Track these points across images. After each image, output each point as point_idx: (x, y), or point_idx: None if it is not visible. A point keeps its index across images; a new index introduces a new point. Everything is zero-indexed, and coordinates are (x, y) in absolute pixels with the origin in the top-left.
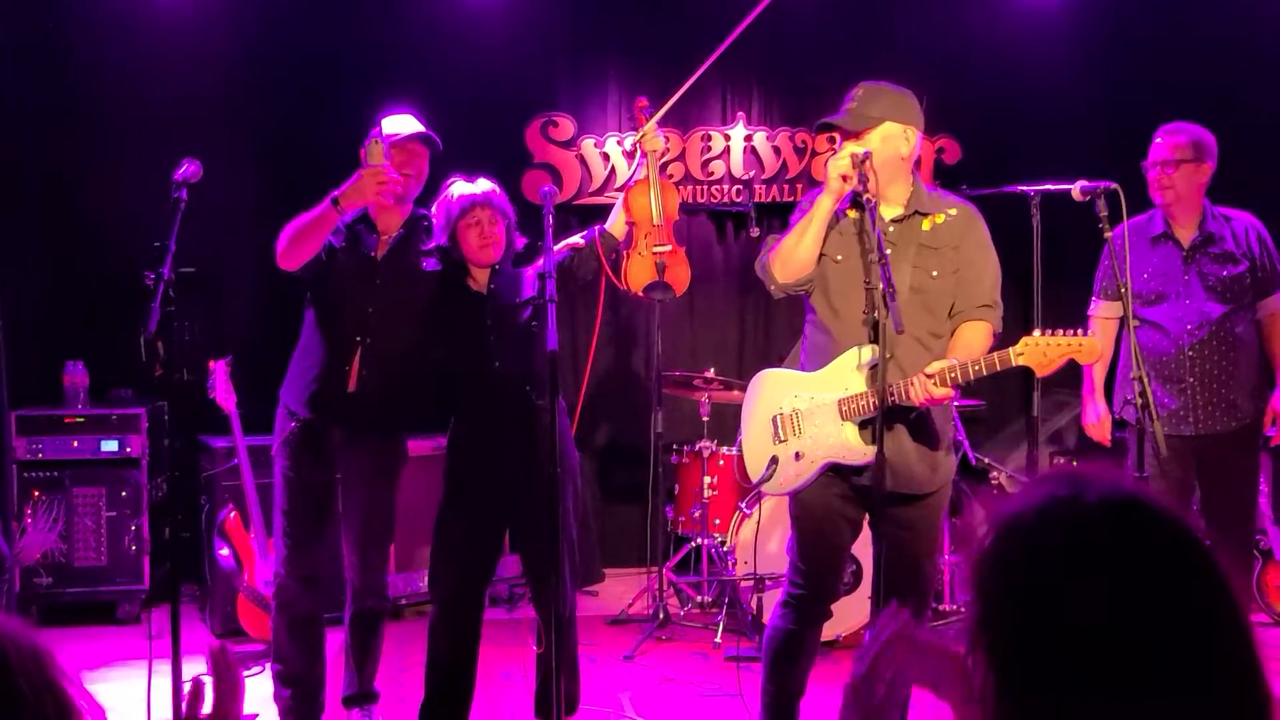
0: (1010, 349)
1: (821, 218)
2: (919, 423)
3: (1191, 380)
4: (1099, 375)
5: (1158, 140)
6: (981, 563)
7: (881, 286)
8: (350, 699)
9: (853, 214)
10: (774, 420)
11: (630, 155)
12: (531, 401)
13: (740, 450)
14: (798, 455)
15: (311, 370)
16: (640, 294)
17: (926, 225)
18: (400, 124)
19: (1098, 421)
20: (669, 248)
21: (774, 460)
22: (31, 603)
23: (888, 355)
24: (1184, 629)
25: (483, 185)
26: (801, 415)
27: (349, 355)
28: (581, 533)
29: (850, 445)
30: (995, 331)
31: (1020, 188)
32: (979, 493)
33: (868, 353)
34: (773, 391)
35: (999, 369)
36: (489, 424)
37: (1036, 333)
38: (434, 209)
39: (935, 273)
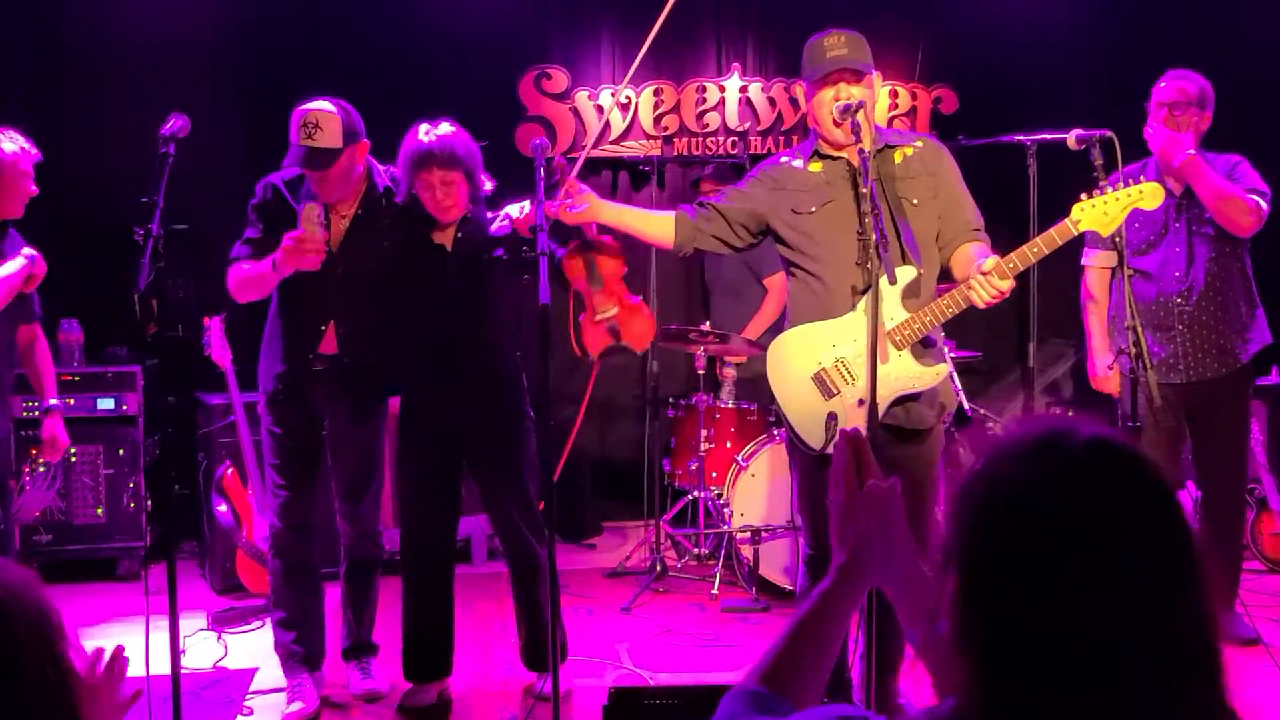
0: (1067, 219)
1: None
2: (923, 347)
3: (1180, 328)
4: (1100, 325)
5: (1162, 84)
6: (965, 484)
7: (874, 237)
8: (349, 650)
9: (815, 166)
10: (817, 378)
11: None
12: (491, 353)
13: (787, 422)
14: (861, 401)
15: (286, 349)
16: (600, 359)
17: (898, 158)
18: (295, 129)
19: (1107, 375)
20: (614, 310)
21: (833, 416)
22: (32, 560)
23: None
24: (1146, 573)
25: (437, 132)
26: (849, 362)
27: (319, 335)
28: (577, 488)
29: (918, 371)
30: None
31: (1016, 137)
32: (974, 444)
33: (901, 279)
34: (802, 352)
35: (1060, 243)
36: (447, 377)
37: (1085, 196)
38: (397, 160)
39: (915, 200)
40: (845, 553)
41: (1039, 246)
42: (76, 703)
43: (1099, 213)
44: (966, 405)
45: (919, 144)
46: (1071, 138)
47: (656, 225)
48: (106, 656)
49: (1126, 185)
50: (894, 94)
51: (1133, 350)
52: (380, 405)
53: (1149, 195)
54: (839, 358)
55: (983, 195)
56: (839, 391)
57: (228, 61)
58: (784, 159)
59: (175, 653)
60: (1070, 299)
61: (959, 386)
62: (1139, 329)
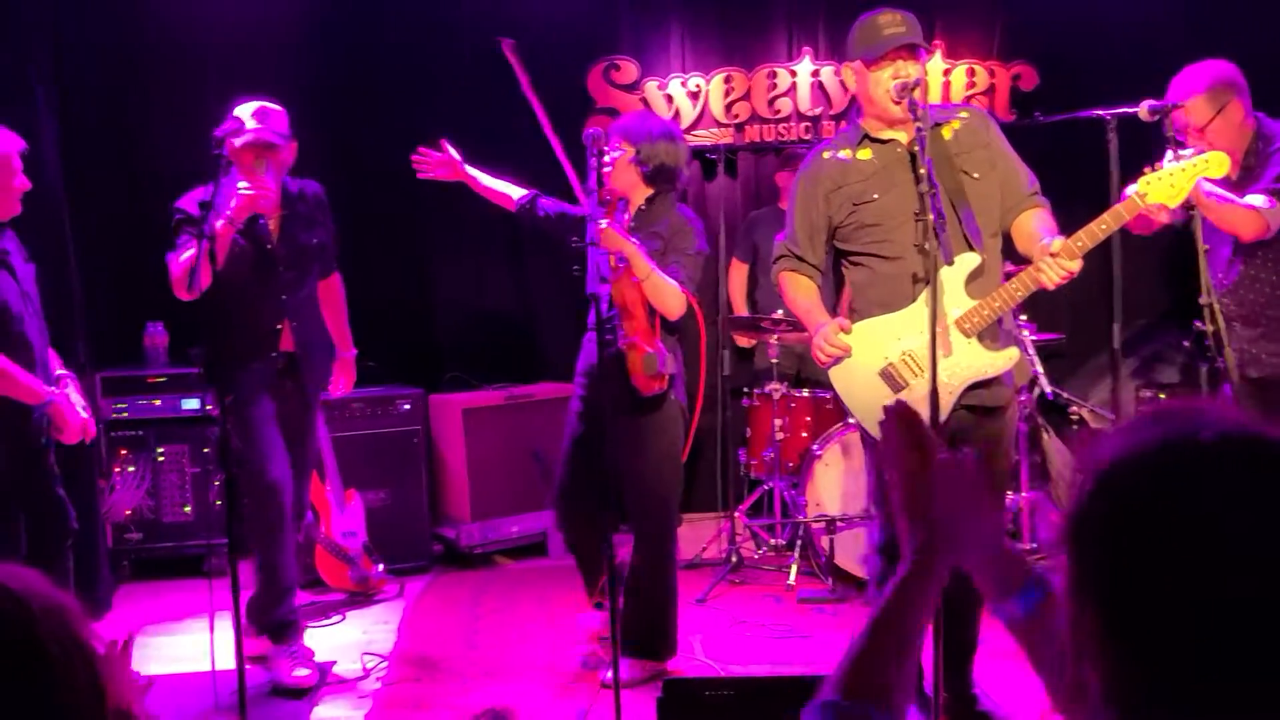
0: (1133, 194)
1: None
2: (993, 333)
3: (1237, 325)
4: None
5: (1176, 110)
6: (1082, 519)
7: (931, 218)
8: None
9: (865, 154)
10: (885, 373)
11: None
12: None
13: (854, 418)
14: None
15: (245, 351)
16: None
17: (947, 134)
18: (246, 118)
19: None
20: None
21: None
22: (123, 557)
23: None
24: None
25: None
26: (918, 354)
27: (278, 334)
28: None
29: (989, 359)
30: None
31: (1095, 112)
32: (1060, 429)
33: (962, 266)
34: (868, 346)
35: (1128, 218)
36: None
37: (1148, 169)
38: None
39: (976, 174)
40: (922, 533)
41: (1106, 223)
42: (102, 683)
43: (1165, 185)
44: (1048, 390)
45: (964, 115)
46: (1144, 109)
47: (816, 299)
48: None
49: (1192, 155)
50: (971, 72)
51: (1209, 327)
52: (319, 394)
53: (1214, 164)
54: (906, 350)
55: (1063, 172)
56: (908, 384)
57: (304, 60)
58: (826, 154)
59: (239, 646)
60: (1159, 275)
61: (1040, 370)
62: (1216, 305)
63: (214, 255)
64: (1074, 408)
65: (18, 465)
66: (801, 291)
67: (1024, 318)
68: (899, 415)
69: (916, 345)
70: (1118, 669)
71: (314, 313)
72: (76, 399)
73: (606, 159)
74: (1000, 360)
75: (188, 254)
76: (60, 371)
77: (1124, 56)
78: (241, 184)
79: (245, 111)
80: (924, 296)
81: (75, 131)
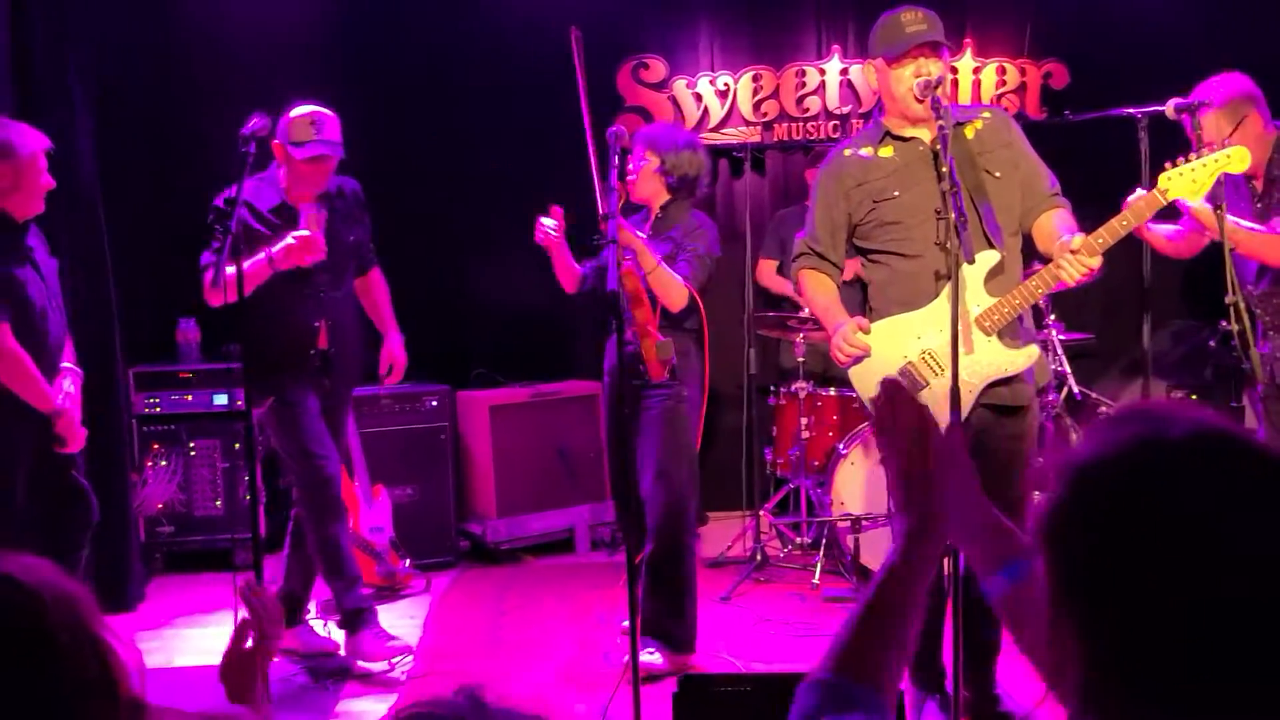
0: (1153, 190)
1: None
2: (1013, 331)
3: (1272, 334)
4: None
5: (1201, 108)
6: (1056, 520)
7: (953, 216)
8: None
9: (886, 151)
10: (904, 372)
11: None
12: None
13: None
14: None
15: (283, 352)
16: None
17: (970, 133)
18: (304, 128)
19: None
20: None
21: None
22: (155, 550)
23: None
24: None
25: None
26: (937, 353)
27: (316, 333)
28: None
29: (1009, 357)
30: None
31: (1126, 110)
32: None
33: (983, 264)
34: (888, 344)
35: (1149, 214)
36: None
37: (1170, 165)
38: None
39: (998, 173)
40: (914, 515)
41: (1128, 219)
42: (113, 673)
43: (1186, 180)
44: (1076, 390)
45: (986, 115)
46: (1170, 107)
47: (835, 298)
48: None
49: (1213, 151)
50: (1002, 70)
51: (1235, 327)
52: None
53: (1236, 159)
54: (926, 349)
55: (1093, 171)
56: (928, 383)
57: (336, 59)
58: (846, 151)
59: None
60: (1189, 274)
61: (1068, 369)
62: (1241, 304)
63: (241, 282)
64: (1103, 408)
65: (37, 456)
66: (821, 290)
67: (1053, 317)
68: (892, 394)
69: (936, 344)
70: (1095, 670)
71: (349, 310)
72: (72, 391)
73: (630, 168)
74: (1020, 358)
75: (244, 265)
76: (67, 364)
77: (1156, 55)
78: (299, 232)
79: (302, 121)
80: (944, 295)
81: (111, 130)
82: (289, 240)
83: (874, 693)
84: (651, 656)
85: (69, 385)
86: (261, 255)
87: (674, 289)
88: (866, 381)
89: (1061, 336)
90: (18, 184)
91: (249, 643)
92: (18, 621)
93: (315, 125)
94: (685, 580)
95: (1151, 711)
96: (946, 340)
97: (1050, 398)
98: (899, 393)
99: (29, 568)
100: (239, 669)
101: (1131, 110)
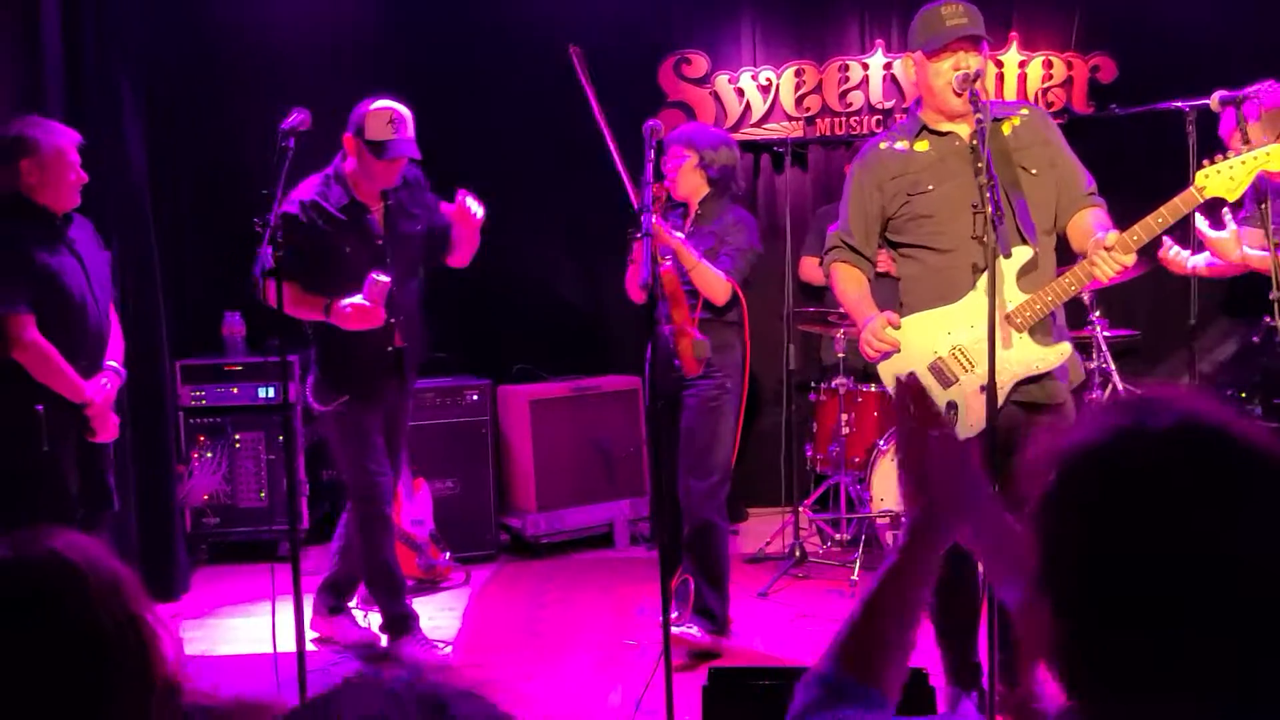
0: (1191, 186)
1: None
2: (1045, 328)
3: None
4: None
5: (1246, 100)
6: (1043, 504)
7: (990, 211)
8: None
9: (922, 145)
10: (934, 367)
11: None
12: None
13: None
14: (983, 388)
15: (358, 350)
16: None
17: (1007, 129)
18: (383, 126)
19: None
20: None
21: (952, 406)
22: (200, 541)
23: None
24: (1266, 551)
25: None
26: (968, 349)
27: (391, 332)
28: None
29: (1040, 354)
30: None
31: (1174, 104)
32: None
33: (1016, 260)
34: (917, 340)
35: (1185, 211)
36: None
37: (1207, 162)
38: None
39: (1035, 170)
40: (918, 509)
41: (1163, 217)
42: (152, 654)
43: (1224, 178)
44: (1121, 387)
45: (1024, 112)
46: (1214, 100)
47: (866, 292)
48: None
49: (1253, 148)
50: (1048, 64)
51: (1278, 323)
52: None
53: (1275, 157)
54: (956, 345)
55: (1140, 165)
56: (958, 379)
57: (378, 59)
58: (883, 144)
59: (300, 630)
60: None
61: (1113, 366)
62: None
63: (281, 298)
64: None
65: (58, 442)
66: (852, 283)
67: (1098, 313)
68: (910, 390)
69: (966, 339)
70: (1075, 660)
71: (416, 303)
72: (108, 389)
73: (667, 168)
74: (1052, 355)
75: (301, 294)
76: (113, 364)
77: (1205, 49)
78: (358, 301)
79: (380, 117)
80: (975, 290)
81: (159, 129)
82: (347, 305)
83: (876, 692)
84: (690, 630)
85: (105, 383)
86: (320, 302)
87: (716, 284)
88: (893, 377)
89: (1106, 333)
90: (44, 179)
91: None
92: (58, 594)
93: (394, 124)
94: (718, 559)
95: (1122, 695)
96: (977, 336)
97: (1094, 394)
98: (911, 392)
99: (75, 544)
100: None
101: (1179, 104)
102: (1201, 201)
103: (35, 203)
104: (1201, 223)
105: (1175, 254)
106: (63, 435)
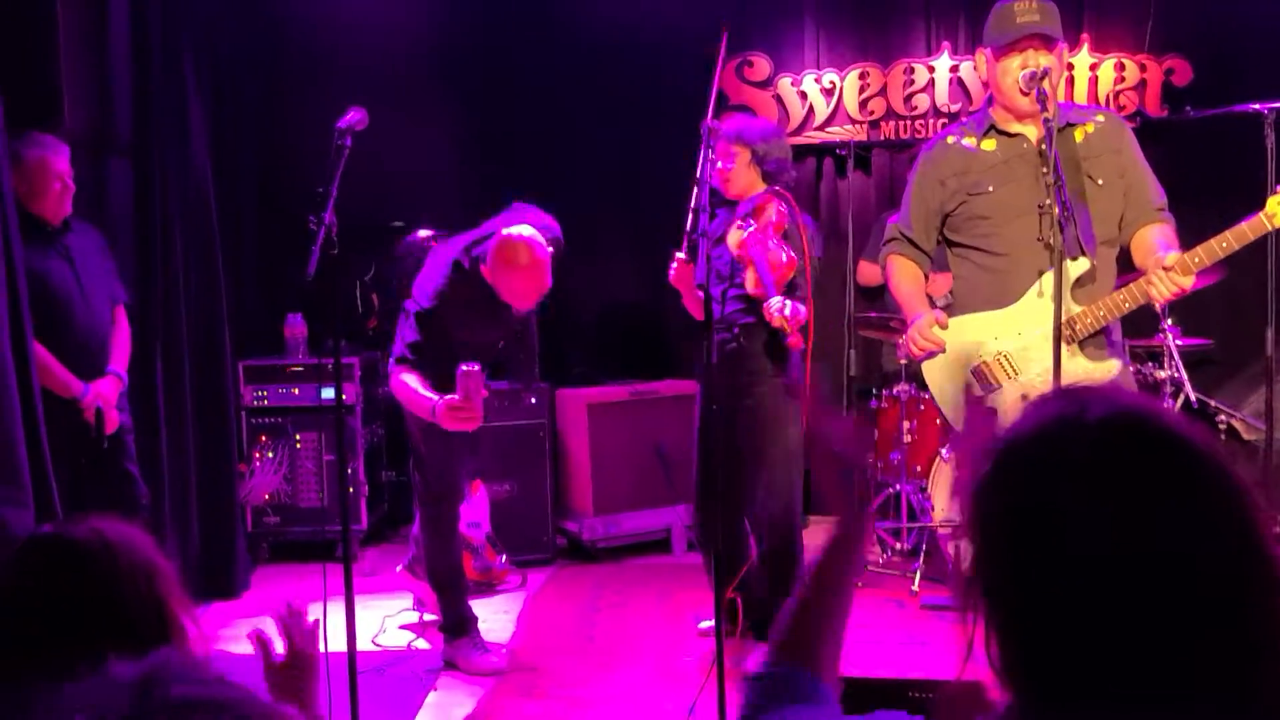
0: (1259, 213)
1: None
2: (1098, 343)
3: None
4: None
5: None
6: (977, 491)
7: (1057, 211)
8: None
9: (989, 144)
10: (977, 371)
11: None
12: None
13: (943, 411)
14: (1024, 396)
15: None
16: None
17: (1079, 136)
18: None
19: None
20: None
21: (991, 411)
22: (261, 540)
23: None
24: (1197, 549)
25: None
26: (1013, 356)
27: (494, 349)
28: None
29: (1086, 368)
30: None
31: (1252, 106)
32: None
33: (1072, 271)
34: (963, 342)
35: (1252, 238)
36: None
37: (1279, 189)
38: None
39: (1101, 180)
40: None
41: (1228, 241)
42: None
43: None
44: (1193, 397)
45: (1100, 119)
46: None
47: (920, 287)
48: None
49: None
50: (1120, 66)
51: None
52: None
53: None
54: (1001, 351)
55: (1216, 169)
56: (1000, 386)
57: (438, 62)
58: (950, 139)
59: (351, 632)
60: None
61: (1185, 376)
62: None
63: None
64: (1221, 416)
65: (89, 444)
66: (907, 277)
67: (1169, 321)
68: (982, 415)
69: (1013, 346)
70: (1009, 648)
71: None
72: (107, 399)
73: (720, 167)
74: (1098, 372)
75: (412, 386)
76: (115, 371)
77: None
78: (456, 403)
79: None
80: (1027, 296)
81: (224, 134)
82: (447, 405)
83: (812, 677)
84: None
85: (103, 388)
86: (428, 404)
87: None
88: (938, 378)
89: (1179, 342)
90: (31, 189)
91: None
92: (85, 561)
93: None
94: (792, 580)
95: (1053, 691)
96: (1023, 344)
97: (1165, 404)
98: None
99: (118, 529)
100: (283, 685)
101: (1258, 106)
102: (1270, 230)
103: (28, 212)
104: None
105: None
106: (53, 429)
